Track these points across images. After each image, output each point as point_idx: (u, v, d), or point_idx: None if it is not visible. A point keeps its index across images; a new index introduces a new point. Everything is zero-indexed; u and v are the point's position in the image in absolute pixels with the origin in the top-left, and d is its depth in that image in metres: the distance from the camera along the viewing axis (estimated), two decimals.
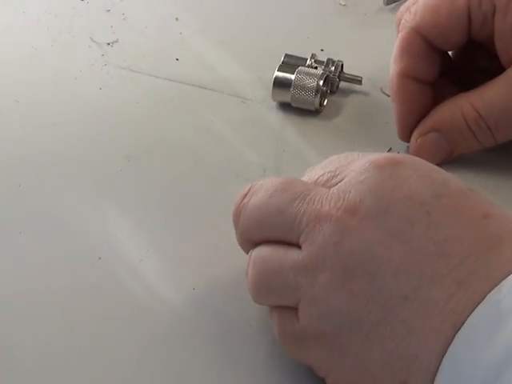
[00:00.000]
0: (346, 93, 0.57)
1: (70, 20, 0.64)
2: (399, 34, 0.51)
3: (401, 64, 0.50)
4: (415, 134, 0.51)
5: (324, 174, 0.40)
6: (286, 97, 0.55)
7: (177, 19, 0.64)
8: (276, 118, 0.55)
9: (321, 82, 0.54)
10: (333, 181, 0.39)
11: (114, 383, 0.40)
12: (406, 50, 0.50)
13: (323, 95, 0.55)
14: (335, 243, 0.36)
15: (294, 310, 0.37)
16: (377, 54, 0.60)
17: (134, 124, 0.55)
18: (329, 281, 0.36)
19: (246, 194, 0.40)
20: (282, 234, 0.38)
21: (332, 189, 0.38)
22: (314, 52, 0.57)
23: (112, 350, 0.41)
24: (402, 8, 0.52)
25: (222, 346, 0.41)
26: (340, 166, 0.39)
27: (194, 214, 0.48)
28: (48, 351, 0.41)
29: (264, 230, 0.39)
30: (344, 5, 0.65)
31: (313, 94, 0.54)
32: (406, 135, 0.51)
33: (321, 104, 0.55)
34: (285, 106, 0.55)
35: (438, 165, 0.49)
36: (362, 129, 0.54)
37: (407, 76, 0.50)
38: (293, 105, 0.55)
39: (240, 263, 0.42)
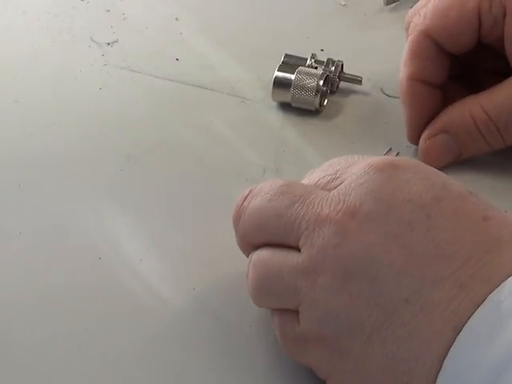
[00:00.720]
0: (346, 93, 0.57)
1: (70, 20, 0.64)
2: (409, 37, 0.51)
3: (410, 67, 0.50)
4: (424, 135, 0.51)
5: (324, 176, 0.40)
6: (286, 97, 0.55)
7: (177, 19, 0.64)
8: (276, 118, 0.55)
9: (321, 82, 0.54)
10: (333, 183, 0.39)
11: (113, 383, 0.40)
12: (416, 53, 0.50)
13: (323, 95, 0.55)
14: (335, 246, 0.36)
15: (295, 312, 0.37)
16: (377, 54, 0.60)
17: (134, 124, 0.55)
18: (328, 284, 0.36)
19: (245, 197, 0.40)
20: (281, 237, 0.38)
21: (332, 192, 0.38)
22: (314, 52, 0.57)
23: (112, 349, 0.41)
24: (411, 11, 0.52)
25: (221, 346, 0.41)
26: (340, 169, 0.39)
27: (193, 213, 0.48)
28: (48, 351, 0.41)
29: (264, 233, 0.39)
30: (344, 5, 0.65)
31: (313, 94, 0.54)
32: (416, 138, 0.51)
33: (321, 104, 0.55)
34: (285, 106, 0.55)
35: (447, 167, 0.49)
36: (361, 129, 0.54)
37: (417, 79, 0.50)
38: (293, 105, 0.55)
39: (240, 263, 0.42)
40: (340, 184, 0.38)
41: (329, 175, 0.39)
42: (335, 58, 0.56)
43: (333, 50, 0.59)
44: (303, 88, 0.54)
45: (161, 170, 0.51)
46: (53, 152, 0.52)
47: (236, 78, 0.58)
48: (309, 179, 0.41)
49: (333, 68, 0.56)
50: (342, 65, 0.56)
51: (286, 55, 0.57)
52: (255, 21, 0.64)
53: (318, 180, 0.40)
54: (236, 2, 0.66)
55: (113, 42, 0.61)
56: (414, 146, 0.52)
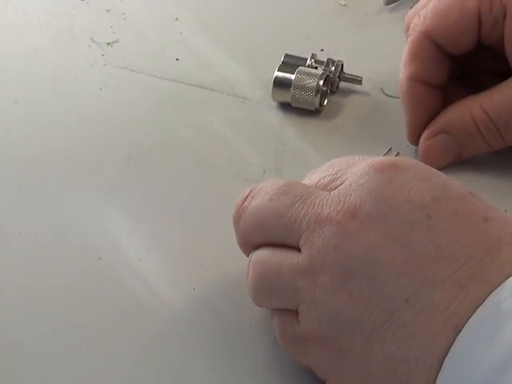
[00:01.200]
0: (346, 93, 0.57)
1: (70, 20, 0.64)
2: (409, 38, 0.51)
3: (410, 68, 0.50)
4: (424, 135, 0.51)
5: (325, 177, 0.40)
6: (286, 97, 0.55)
7: (177, 19, 0.64)
8: (276, 118, 0.55)
9: (321, 82, 0.54)
10: (333, 184, 0.39)
11: (113, 383, 0.40)
12: (416, 53, 0.50)
13: (323, 95, 0.55)
14: (335, 246, 0.36)
15: (295, 312, 0.37)
16: (377, 54, 0.60)
17: (134, 124, 0.55)
18: (329, 284, 0.36)
19: (246, 197, 0.40)
20: (281, 237, 0.38)
21: (332, 192, 0.38)
22: (314, 52, 0.57)
23: (112, 349, 0.41)
24: (411, 12, 0.52)
25: (221, 346, 0.41)
26: (341, 169, 0.39)
27: (193, 213, 0.48)
28: (48, 351, 0.41)
29: (264, 233, 0.39)
30: (344, 5, 0.66)
31: (313, 94, 0.54)
32: (416, 138, 0.51)
33: (321, 104, 0.55)
34: (285, 106, 0.56)
35: (447, 167, 0.49)
36: (361, 129, 0.54)
37: (417, 80, 0.50)
38: (293, 105, 0.55)
39: (240, 263, 0.42)
40: (340, 184, 0.38)
41: (329, 175, 0.39)
42: (335, 58, 0.56)
43: (333, 50, 0.59)
44: (303, 88, 0.54)
45: (161, 170, 0.51)
46: (53, 152, 0.52)
47: (236, 78, 0.58)
48: (309, 179, 0.41)
49: (333, 68, 0.56)
50: (342, 65, 0.56)
51: (286, 55, 0.57)
52: (255, 21, 0.64)
53: (319, 180, 0.40)
54: (236, 2, 0.66)
55: (113, 42, 0.61)
56: (414, 146, 0.52)
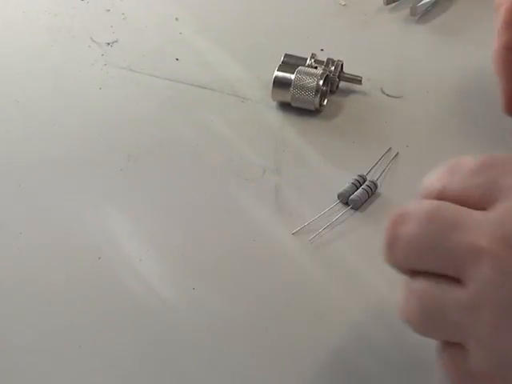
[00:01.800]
0: (346, 93, 0.57)
1: (70, 20, 0.64)
2: (502, 8, 0.49)
3: (504, 36, 0.49)
4: None
5: (473, 186, 0.36)
6: (286, 96, 0.55)
7: (177, 19, 0.64)
8: (276, 118, 0.55)
9: (321, 82, 0.54)
10: (486, 200, 0.35)
11: (113, 382, 0.40)
12: (510, 22, 0.49)
13: (323, 95, 0.55)
14: (495, 282, 0.33)
15: (463, 347, 0.35)
16: (377, 54, 0.60)
17: (134, 124, 0.55)
18: (491, 321, 0.33)
19: (396, 222, 0.37)
20: (439, 269, 0.35)
21: (487, 216, 0.34)
22: (314, 52, 0.57)
23: (112, 349, 0.41)
24: None
25: (221, 346, 0.41)
26: (493, 177, 0.35)
27: (193, 213, 0.48)
28: (48, 350, 0.41)
29: (420, 263, 0.36)
30: (344, 5, 0.66)
31: (313, 94, 0.54)
32: None
33: (321, 104, 0.55)
34: (285, 106, 0.55)
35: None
36: (361, 129, 0.54)
37: (511, 48, 0.49)
38: (293, 105, 0.55)
39: (240, 263, 0.42)
40: (496, 201, 0.35)
41: (479, 187, 0.35)
42: (335, 58, 0.56)
43: (333, 50, 0.59)
44: (303, 88, 0.54)
45: (161, 170, 0.51)
46: (53, 152, 0.52)
47: (236, 78, 0.58)
48: (451, 186, 0.36)
49: (333, 68, 0.56)
50: (342, 65, 0.56)
51: (286, 55, 0.57)
52: (255, 20, 0.64)
53: (468, 192, 0.36)
54: (236, 2, 0.66)
55: (113, 42, 0.61)
56: (413, 146, 0.52)
